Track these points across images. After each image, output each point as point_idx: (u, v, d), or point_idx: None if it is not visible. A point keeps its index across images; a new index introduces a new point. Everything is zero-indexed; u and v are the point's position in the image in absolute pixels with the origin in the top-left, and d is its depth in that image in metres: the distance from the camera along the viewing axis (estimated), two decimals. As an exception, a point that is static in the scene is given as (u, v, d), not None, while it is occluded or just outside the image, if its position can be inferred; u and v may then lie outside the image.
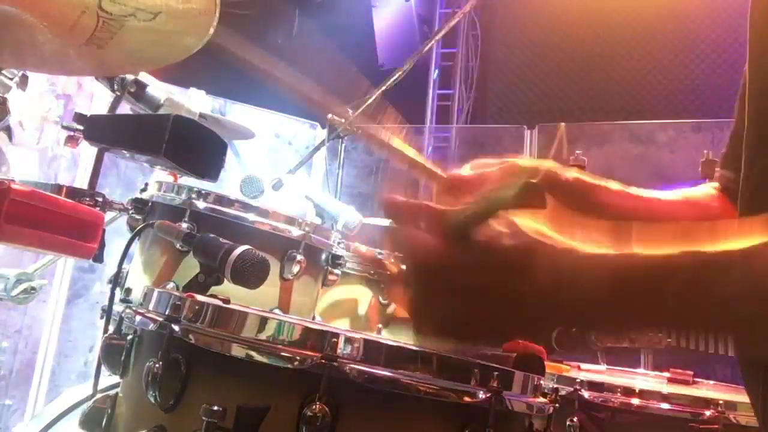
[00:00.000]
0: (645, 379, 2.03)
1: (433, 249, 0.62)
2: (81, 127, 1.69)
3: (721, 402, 1.46)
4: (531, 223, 0.60)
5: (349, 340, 0.92)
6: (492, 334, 0.63)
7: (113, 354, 1.14)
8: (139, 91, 1.80)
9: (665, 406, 1.51)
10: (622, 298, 0.59)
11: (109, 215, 1.67)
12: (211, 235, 1.41)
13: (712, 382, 2.01)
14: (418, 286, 0.63)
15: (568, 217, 0.62)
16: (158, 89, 1.86)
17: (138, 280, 1.68)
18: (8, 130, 1.60)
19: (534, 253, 0.59)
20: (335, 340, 0.91)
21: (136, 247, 1.71)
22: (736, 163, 0.89)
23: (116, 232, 1.75)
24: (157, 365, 0.95)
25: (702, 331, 0.59)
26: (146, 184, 1.75)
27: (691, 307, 0.57)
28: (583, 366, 1.92)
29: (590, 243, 0.60)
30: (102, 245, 1.40)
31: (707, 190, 1.02)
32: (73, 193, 1.59)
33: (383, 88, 2.41)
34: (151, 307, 1.09)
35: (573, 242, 0.60)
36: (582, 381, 1.57)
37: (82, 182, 3.72)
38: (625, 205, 0.92)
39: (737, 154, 0.88)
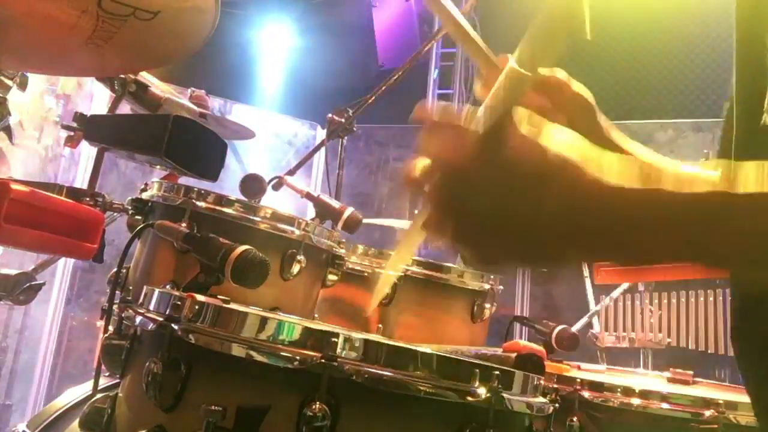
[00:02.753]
0: (645, 379, 2.03)
1: (462, 152, 0.63)
2: (81, 127, 1.69)
3: (721, 402, 1.46)
4: (566, 135, 0.62)
5: (349, 340, 0.92)
6: (511, 249, 0.63)
7: (113, 354, 1.14)
8: (139, 91, 1.79)
9: (665, 406, 1.51)
10: (640, 233, 0.60)
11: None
12: (211, 235, 1.41)
13: (712, 382, 2.01)
14: (444, 186, 0.64)
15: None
16: (158, 89, 1.86)
17: (138, 280, 1.68)
18: (8, 130, 1.60)
19: (560, 169, 0.60)
20: (335, 340, 0.91)
21: (136, 247, 1.71)
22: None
23: (116, 232, 1.75)
24: (157, 365, 0.95)
25: (710, 264, 0.61)
26: (146, 184, 1.75)
27: (710, 247, 0.58)
28: (583, 366, 1.92)
29: (614, 172, 0.60)
30: (102, 245, 1.40)
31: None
32: (73, 193, 1.59)
33: (383, 88, 2.41)
34: (151, 307, 1.09)
35: (599, 170, 0.61)
36: (582, 381, 1.57)
37: (82, 182, 3.72)
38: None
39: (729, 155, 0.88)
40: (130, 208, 1.68)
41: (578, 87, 0.88)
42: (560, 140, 0.61)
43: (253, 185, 1.99)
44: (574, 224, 0.61)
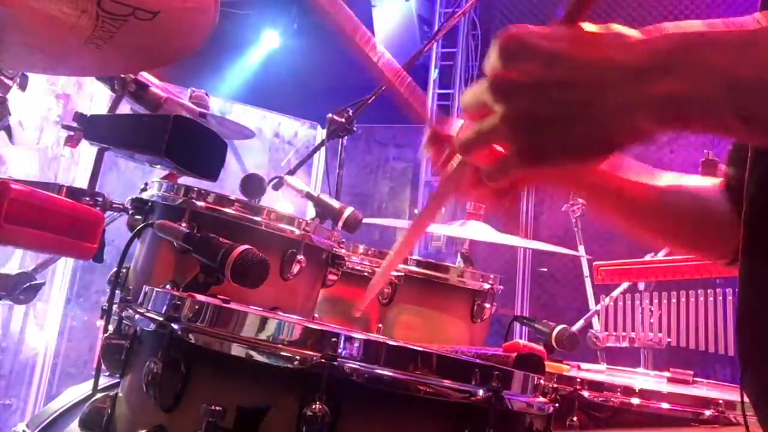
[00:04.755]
0: (645, 379, 2.03)
1: (524, 29, 0.66)
2: (81, 127, 1.69)
3: (721, 402, 1.46)
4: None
5: (349, 340, 0.92)
6: (562, 124, 0.63)
7: (113, 354, 1.14)
8: (139, 91, 1.79)
9: (665, 406, 1.51)
10: (680, 57, 0.60)
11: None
12: (211, 235, 1.41)
13: (712, 382, 2.01)
14: (504, 58, 0.65)
15: None
16: (158, 89, 1.86)
17: (138, 280, 1.68)
18: (8, 130, 1.60)
19: (604, 33, 0.65)
20: (335, 340, 0.91)
21: (136, 247, 1.71)
22: (740, 161, 0.89)
23: (116, 232, 1.75)
24: (157, 365, 0.95)
25: (749, 106, 0.59)
26: (146, 184, 1.75)
27: (745, 68, 0.58)
28: (583, 366, 1.92)
29: None
30: (102, 245, 1.40)
31: (710, 185, 1.01)
32: (73, 193, 1.59)
33: (383, 88, 2.41)
34: (150, 306, 1.09)
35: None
36: (582, 381, 1.57)
37: (82, 182, 3.72)
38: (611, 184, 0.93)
39: (742, 152, 0.88)
40: (130, 208, 1.68)
41: None
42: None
43: (253, 185, 1.99)
44: (617, 64, 0.61)
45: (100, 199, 1.63)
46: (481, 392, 0.92)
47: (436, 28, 5.69)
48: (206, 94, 2.30)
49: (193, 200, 1.60)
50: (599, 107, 0.62)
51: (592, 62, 0.62)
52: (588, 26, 0.66)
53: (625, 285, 2.91)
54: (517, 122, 0.64)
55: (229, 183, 2.18)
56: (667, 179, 0.96)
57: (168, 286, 1.54)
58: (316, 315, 1.87)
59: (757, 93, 0.58)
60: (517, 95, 0.64)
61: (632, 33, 0.64)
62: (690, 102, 0.60)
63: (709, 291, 2.74)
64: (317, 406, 0.86)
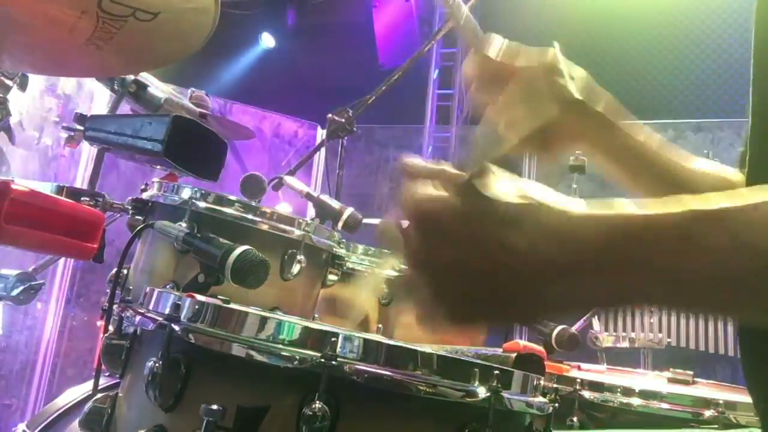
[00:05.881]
0: (645, 379, 2.03)
1: (438, 201, 0.63)
2: (81, 127, 1.69)
3: (721, 402, 1.46)
4: (530, 188, 0.62)
5: (349, 340, 0.92)
6: (487, 302, 0.62)
7: (113, 354, 1.14)
8: (139, 91, 1.80)
9: (665, 406, 1.51)
10: (612, 255, 0.57)
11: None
12: (211, 235, 1.41)
13: (712, 382, 2.01)
14: (418, 235, 0.64)
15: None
16: (158, 89, 1.86)
17: (138, 280, 1.68)
18: (8, 130, 1.60)
19: (529, 209, 0.60)
20: (335, 339, 0.91)
21: (136, 247, 1.71)
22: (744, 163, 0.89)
23: (116, 232, 1.75)
24: (157, 365, 0.95)
25: (692, 299, 0.57)
26: (146, 184, 1.75)
27: (683, 267, 0.55)
28: (583, 366, 1.92)
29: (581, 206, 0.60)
30: (102, 245, 1.40)
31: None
32: (73, 193, 1.59)
33: (383, 88, 2.41)
34: (151, 307, 1.09)
35: (566, 204, 0.60)
36: (582, 381, 1.57)
37: (82, 182, 3.73)
38: (647, 156, 0.94)
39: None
40: (130, 208, 1.68)
41: (605, 100, 0.93)
42: (523, 189, 0.61)
43: (253, 185, 1.99)
44: (547, 261, 0.58)
45: (100, 199, 1.64)
46: (481, 392, 0.92)
47: (436, 28, 5.70)
48: (206, 95, 2.30)
49: (194, 200, 1.60)
50: (516, 300, 0.61)
51: (512, 252, 0.59)
52: (506, 192, 0.61)
53: (625, 285, 2.91)
54: (434, 293, 0.64)
55: (229, 183, 2.18)
56: (700, 163, 0.97)
57: (168, 286, 1.54)
58: (316, 315, 1.87)
59: (693, 289, 0.57)
60: (432, 273, 0.63)
61: (559, 205, 0.60)
62: (622, 299, 0.59)
63: (709, 291, 2.74)
64: (317, 406, 0.86)
